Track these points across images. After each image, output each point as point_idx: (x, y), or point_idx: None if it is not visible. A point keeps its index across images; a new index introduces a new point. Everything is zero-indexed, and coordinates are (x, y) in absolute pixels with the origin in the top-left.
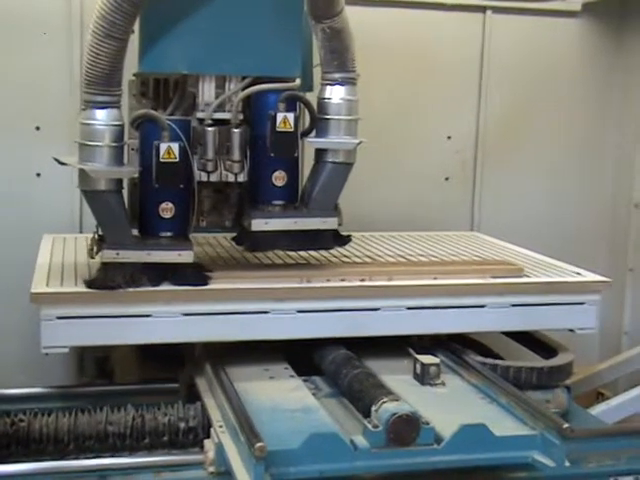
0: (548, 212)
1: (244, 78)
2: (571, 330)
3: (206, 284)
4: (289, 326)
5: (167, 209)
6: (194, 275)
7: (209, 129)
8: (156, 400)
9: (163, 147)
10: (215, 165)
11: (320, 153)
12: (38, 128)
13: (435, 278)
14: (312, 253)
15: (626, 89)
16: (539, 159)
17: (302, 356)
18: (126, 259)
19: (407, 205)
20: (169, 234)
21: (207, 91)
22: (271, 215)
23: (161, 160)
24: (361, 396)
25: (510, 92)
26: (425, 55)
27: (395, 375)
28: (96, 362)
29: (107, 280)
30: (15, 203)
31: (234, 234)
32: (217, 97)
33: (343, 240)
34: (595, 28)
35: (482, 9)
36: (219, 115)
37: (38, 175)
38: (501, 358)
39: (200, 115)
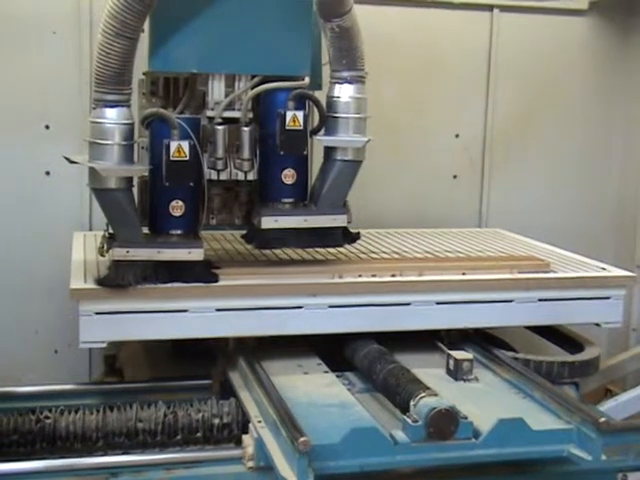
0: (555, 209)
1: (254, 77)
2: (597, 324)
3: (216, 281)
4: (322, 321)
5: (177, 207)
6: (203, 272)
7: (219, 127)
8: (178, 396)
9: (173, 145)
10: (225, 163)
11: (329, 151)
12: (47, 127)
13: (464, 273)
14: (341, 249)
15: (633, 87)
16: (546, 157)
17: (332, 350)
18: (136, 257)
19: (415, 203)
20: (179, 232)
21: (217, 90)
22: (281, 213)
23: (171, 158)
24: (398, 391)
25: (517, 90)
26: (433, 54)
27: (426, 369)
28: (105, 360)
29: (117, 278)
30: (25, 201)
31: (244, 232)
32: (227, 96)
33: (352, 237)
34: (602, 26)
35: (489, 7)
36: (229, 114)
37: (47, 174)
38: (514, 350)
39: (210, 114)
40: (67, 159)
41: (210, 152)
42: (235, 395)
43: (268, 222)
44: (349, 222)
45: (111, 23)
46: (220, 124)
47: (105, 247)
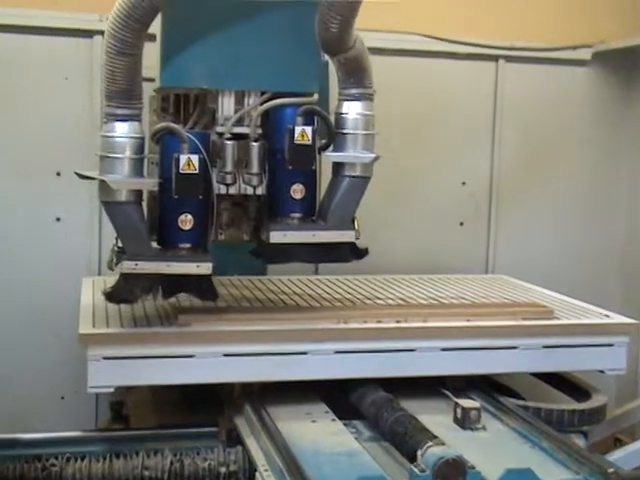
0: (562, 256)
1: (263, 93)
2: (601, 371)
3: (215, 299)
4: (327, 366)
5: (186, 221)
6: (207, 288)
7: (228, 143)
8: (184, 444)
9: (183, 158)
10: (234, 178)
11: (337, 167)
12: (59, 174)
13: (468, 320)
14: (346, 295)
15: (636, 136)
16: (552, 204)
17: (338, 395)
18: (145, 270)
19: (422, 250)
20: (188, 245)
21: (226, 106)
22: (289, 227)
23: (181, 171)
24: (405, 439)
25: (523, 139)
26: (439, 103)
27: (433, 416)
28: (111, 407)
29: (125, 292)
30: (35, 247)
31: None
32: (236, 112)
33: (360, 253)
34: (605, 77)
35: (494, 58)
36: (238, 129)
37: (58, 220)
38: (522, 398)
39: (219, 129)
40: (78, 174)
41: (219, 167)
42: (242, 443)
43: (277, 237)
44: (357, 238)
45: (111, 42)
46: (229, 139)
47: (114, 261)
